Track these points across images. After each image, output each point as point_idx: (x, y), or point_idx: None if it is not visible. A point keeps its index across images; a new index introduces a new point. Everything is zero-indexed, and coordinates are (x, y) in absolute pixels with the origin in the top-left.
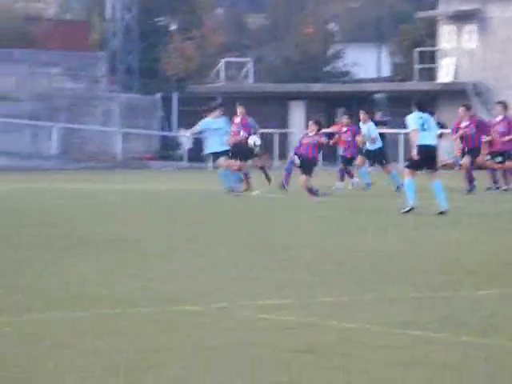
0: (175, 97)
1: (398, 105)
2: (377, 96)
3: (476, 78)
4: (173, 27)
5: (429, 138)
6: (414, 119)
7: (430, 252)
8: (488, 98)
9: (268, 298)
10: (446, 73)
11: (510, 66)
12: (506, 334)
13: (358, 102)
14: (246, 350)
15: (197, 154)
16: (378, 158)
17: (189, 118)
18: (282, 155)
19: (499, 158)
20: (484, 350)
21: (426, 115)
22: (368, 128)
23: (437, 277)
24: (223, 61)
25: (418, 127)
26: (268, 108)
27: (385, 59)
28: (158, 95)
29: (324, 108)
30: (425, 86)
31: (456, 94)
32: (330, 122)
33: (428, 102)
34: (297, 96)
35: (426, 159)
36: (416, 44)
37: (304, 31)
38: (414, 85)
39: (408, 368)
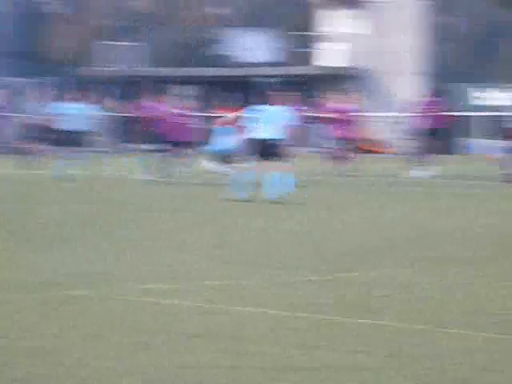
0: (58, 80)
1: (282, 89)
2: (260, 80)
3: (356, 63)
4: (56, 10)
5: (265, 131)
6: (250, 112)
7: (325, 236)
8: (367, 83)
9: (166, 283)
10: (325, 57)
11: (391, 52)
12: (398, 314)
13: (245, 87)
14: (136, 335)
15: None
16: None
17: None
18: None
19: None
20: (380, 330)
21: (266, 108)
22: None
23: (331, 259)
24: (103, 43)
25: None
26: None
27: (271, 43)
28: (40, 79)
29: (219, 92)
30: (307, 69)
31: (335, 78)
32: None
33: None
34: (190, 80)
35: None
36: (301, 28)
37: (193, 15)
38: (298, 69)
39: (311, 350)
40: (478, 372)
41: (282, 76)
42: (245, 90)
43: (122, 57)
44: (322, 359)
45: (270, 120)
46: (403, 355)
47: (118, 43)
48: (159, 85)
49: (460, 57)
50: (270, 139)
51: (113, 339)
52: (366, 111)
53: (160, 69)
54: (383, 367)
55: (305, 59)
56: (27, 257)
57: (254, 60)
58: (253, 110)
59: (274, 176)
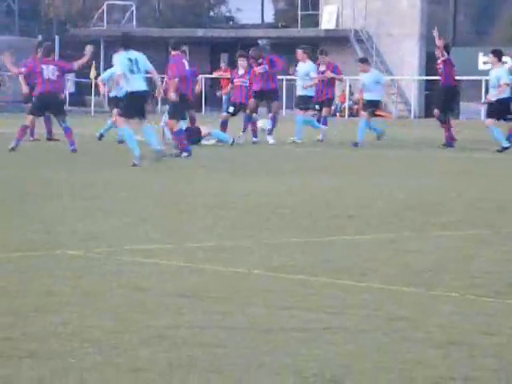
0: (56, 40)
1: (282, 51)
2: (260, 42)
3: (357, 26)
4: None
5: (138, 83)
6: (120, 61)
7: (311, 197)
8: (369, 46)
9: (152, 243)
10: (328, 20)
11: (390, 14)
12: (382, 277)
13: (241, 48)
14: (128, 295)
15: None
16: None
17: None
18: (164, 100)
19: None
20: (362, 293)
21: (134, 54)
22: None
23: (317, 222)
24: (106, 4)
25: (124, 71)
26: (151, 53)
27: (268, 5)
28: (39, 38)
29: (208, 53)
30: (308, 32)
31: (338, 40)
32: (214, 67)
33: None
34: (180, 41)
35: (137, 106)
36: None
37: None
38: (298, 31)
39: (288, 311)
40: (466, 334)
41: (287, 38)
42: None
43: (130, 16)
44: (306, 320)
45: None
46: (383, 316)
47: (125, 2)
48: (167, 46)
49: (465, 20)
50: (143, 92)
51: (107, 298)
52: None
53: (159, 29)
54: (363, 328)
55: (309, 21)
56: (26, 213)
57: (254, 21)
58: (128, 58)
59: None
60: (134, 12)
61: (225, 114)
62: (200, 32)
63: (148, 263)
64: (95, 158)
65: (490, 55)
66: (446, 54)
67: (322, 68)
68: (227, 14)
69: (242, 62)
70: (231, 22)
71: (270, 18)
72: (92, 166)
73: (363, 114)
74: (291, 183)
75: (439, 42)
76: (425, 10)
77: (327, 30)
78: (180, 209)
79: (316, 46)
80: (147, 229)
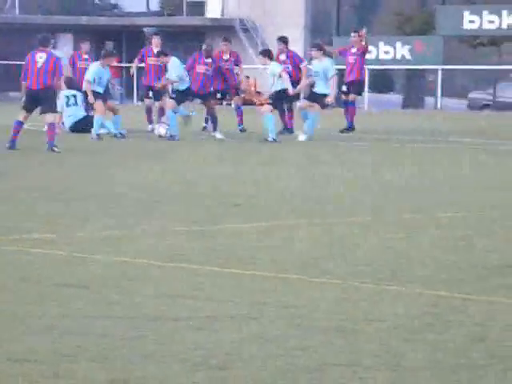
0: None
1: (168, 39)
2: (146, 30)
3: (243, 15)
4: None
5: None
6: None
7: (197, 187)
8: (254, 35)
9: (38, 232)
10: (213, 8)
11: (274, 3)
12: (269, 265)
13: (126, 36)
14: (14, 285)
15: None
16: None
17: None
18: None
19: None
20: (249, 281)
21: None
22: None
23: (206, 210)
24: None
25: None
26: (35, 41)
27: None
28: None
29: (93, 42)
30: (194, 20)
31: (224, 29)
32: (98, 55)
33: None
34: (64, 29)
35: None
36: None
37: None
38: (184, 19)
39: (175, 299)
40: (350, 321)
41: (173, 26)
42: (133, 40)
43: (13, 3)
44: (193, 308)
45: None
46: (269, 304)
47: None
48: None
49: (348, 9)
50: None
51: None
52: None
53: (43, 17)
54: (250, 316)
55: (194, 10)
56: None
57: (139, 9)
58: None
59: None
60: None
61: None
62: (84, 20)
63: (34, 253)
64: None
65: (314, 49)
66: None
67: (226, 56)
68: (112, 2)
69: (226, 48)
70: (116, 10)
71: (155, 6)
72: None
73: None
74: (183, 172)
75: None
76: (309, 0)
77: (213, 19)
78: (67, 197)
79: (202, 35)
80: (32, 218)
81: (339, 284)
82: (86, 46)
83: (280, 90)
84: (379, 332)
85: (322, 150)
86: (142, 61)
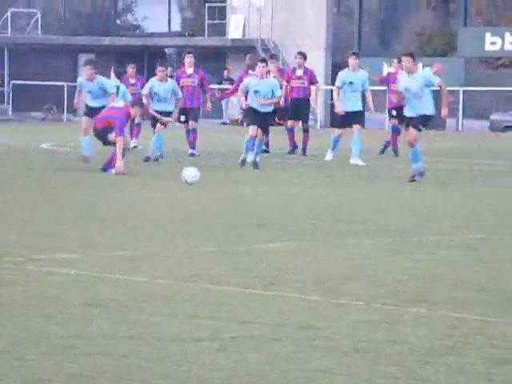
0: None
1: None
2: (168, 50)
3: (264, 35)
4: None
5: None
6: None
7: (221, 207)
8: (275, 55)
9: (60, 252)
10: (235, 29)
11: (295, 24)
12: (290, 286)
13: (148, 57)
14: (37, 305)
15: None
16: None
17: None
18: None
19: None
20: (270, 301)
21: None
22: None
23: (229, 231)
24: (10, 11)
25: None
26: (57, 61)
27: (175, 14)
28: None
29: (114, 62)
30: (215, 41)
31: (245, 49)
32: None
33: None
34: (87, 49)
35: None
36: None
37: None
38: (205, 40)
39: (196, 320)
40: (371, 343)
41: (195, 47)
42: (154, 60)
43: (35, 24)
44: (214, 329)
45: None
46: (291, 325)
47: (29, 10)
48: (74, 54)
49: (370, 31)
50: None
51: (14, 308)
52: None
53: (65, 37)
54: (271, 337)
55: (215, 30)
56: None
57: (161, 30)
58: None
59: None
60: (40, 20)
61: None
62: (107, 40)
63: (56, 273)
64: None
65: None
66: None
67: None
68: (134, 23)
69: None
70: (138, 31)
71: (177, 26)
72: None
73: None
74: (203, 193)
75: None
76: (330, 21)
77: (234, 40)
78: (91, 218)
79: (223, 55)
80: (55, 238)
81: (361, 306)
82: (131, 70)
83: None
84: (400, 354)
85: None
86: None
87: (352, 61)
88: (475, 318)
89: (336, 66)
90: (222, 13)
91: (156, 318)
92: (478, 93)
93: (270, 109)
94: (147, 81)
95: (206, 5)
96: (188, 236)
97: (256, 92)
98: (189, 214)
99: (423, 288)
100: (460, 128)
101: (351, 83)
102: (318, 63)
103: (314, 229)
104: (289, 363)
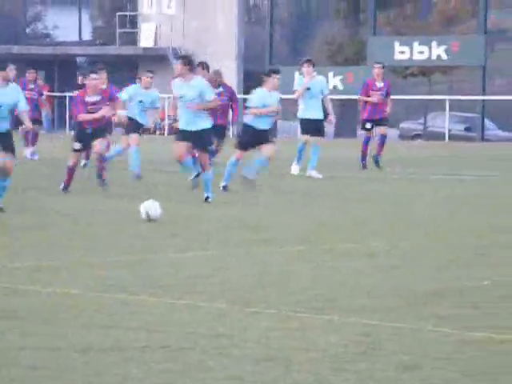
0: None
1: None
2: (79, 59)
3: (176, 44)
4: None
5: None
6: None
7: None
8: (205, 62)
9: None
10: (146, 37)
11: (207, 33)
12: (202, 294)
13: (59, 66)
14: None
15: None
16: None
17: None
18: None
19: None
20: (182, 310)
21: None
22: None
23: (141, 241)
24: None
25: None
26: None
27: (86, 23)
28: None
29: (24, 71)
30: (126, 50)
31: (157, 58)
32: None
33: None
34: None
35: None
36: (117, 8)
37: None
38: (116, 49)
39: (106, 330)
40: (283, 350)
41: (106, 56)
42: (65, 68)
43: None
44: (125, 339)
45: None
46: (202, 333)
47: None
48: None
49: (281, 40)
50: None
51: None
52: None
53: None
54: (183, 346)
55: (127, 39)
56: None
57: (72, 39)
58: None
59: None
60: None
61: None
62: (15, 49)
63: None
64: None
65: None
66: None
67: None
68: (44, 31)
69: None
70: (48, 39)
71: (87, 35)
72: None
73: None
74: (118, 206)
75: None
76: (242, 29)
77: (145, 48)
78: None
79: (135, 64)
80: None
81: (272, 313)
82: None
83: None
84: (311, 361)
85: None
86: None
87: (307, 68)
88: (387, 324)
89: (248, 75)
90: (133, 21)
91: (67, 329)
92: None
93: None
94: (52, 89)
95: (117, 13)
96: (97, 246)
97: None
98: (102, 226)
99: (334, 294)
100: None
101: (309, 89)
102: (229, 71)
103: (223, 238)
104: (200, 372)
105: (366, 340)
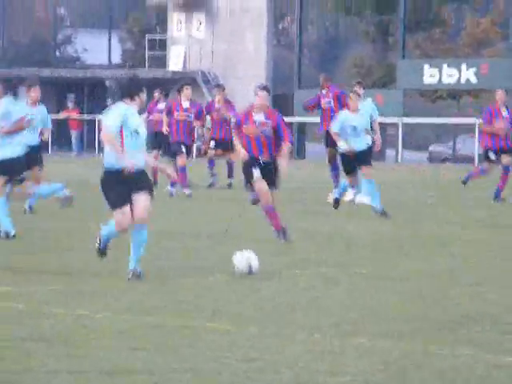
0: None
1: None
2: (108, 82)
3: (204, 67)
4: None
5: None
6: None
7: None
8: (221, 84)
9: None
10: (175, 61)
11: (235, 56)
12: (229, 318)
13: (88, 88)
14: None
15: None
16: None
17: None
18: None
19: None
20: (212, 333)
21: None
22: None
23: (167, 264)
24: None
25: None
26: None
27: (115, 45)
28: None
29: (54, 93)
30: (155, 72)
31: (186, 81)
32: (60, 107)
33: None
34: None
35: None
36: (146, 31)
37: (34, 14)
38: (145, 72)
39: (135, 353)
40: (313, 374)
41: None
42: (95, 91)
43: None
44: (153, 362)
45: None
46: (234, 357)
47: None
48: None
49: (309, 63)
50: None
51: None
52: None
53: (14, 69)
54: (214, 370)
55: (156, 62)
56: None
57: (102, 62)
58: None
59: None
60: None
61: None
62: (46, 72)
63: None
64: None
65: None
66: None
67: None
68: (74, 55)
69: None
70: (77, 62)
71: (117, 58)
72: None
73: None
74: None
75: None
76: (270, 52)
77: (174, 72)
78: (26, 251)
79: (164, 87)
80: None
81: (304, 337)
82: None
83: None
84: None
85: None
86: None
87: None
88: (418, 348)
89: (276, 98)
90: (162, 44)
91: (94, 352)
92: (416, 124)
93: None
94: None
95: (147, 36)
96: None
97: None
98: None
99: (365, 319)
100: (399, 159)
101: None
102: None
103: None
104: None
105: (396, 364)
